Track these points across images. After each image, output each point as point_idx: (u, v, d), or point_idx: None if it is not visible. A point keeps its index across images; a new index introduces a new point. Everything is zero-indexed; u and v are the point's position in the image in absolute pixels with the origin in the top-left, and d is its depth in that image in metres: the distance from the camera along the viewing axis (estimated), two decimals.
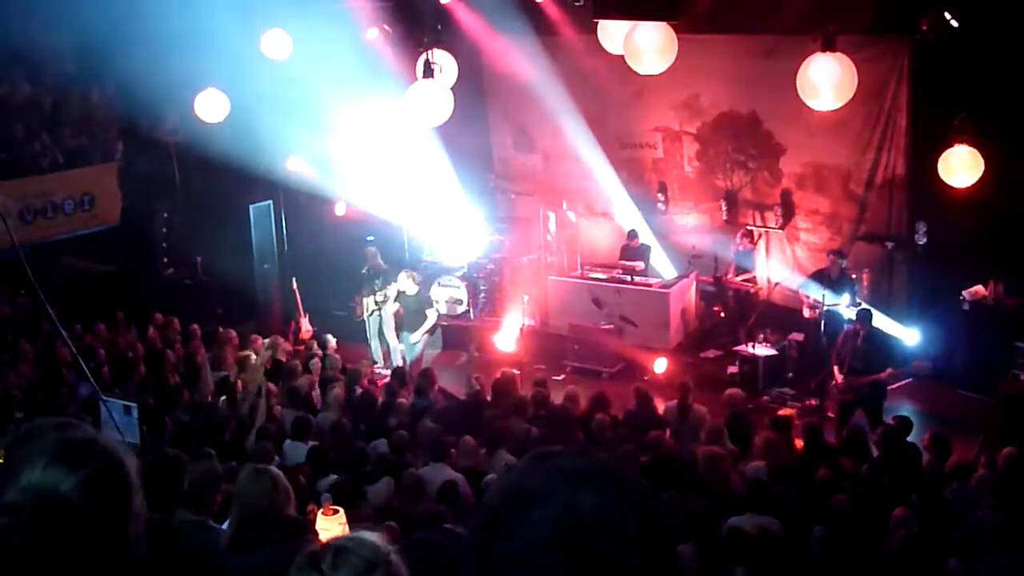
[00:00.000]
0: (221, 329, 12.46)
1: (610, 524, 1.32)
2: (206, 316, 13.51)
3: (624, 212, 15.48)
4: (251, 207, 14.61)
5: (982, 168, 8.56)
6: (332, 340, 12.51)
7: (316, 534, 4.76)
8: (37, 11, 12.67)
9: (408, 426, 9.47)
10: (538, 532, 1.31)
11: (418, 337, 12.94)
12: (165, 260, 14.55)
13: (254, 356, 11.24)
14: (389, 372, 12.26)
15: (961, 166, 8.60)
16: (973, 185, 8.93)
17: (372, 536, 2.13)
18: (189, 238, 14.74)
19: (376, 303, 13.21)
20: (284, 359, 11.79)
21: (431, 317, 13.12)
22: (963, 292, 12.00)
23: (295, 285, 14.24)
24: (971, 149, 8.54)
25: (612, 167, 15.51)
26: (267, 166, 14.03)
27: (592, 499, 1.33)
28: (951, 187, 9.05)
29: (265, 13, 11.84)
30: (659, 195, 15.21)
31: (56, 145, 14.21)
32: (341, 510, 5.69)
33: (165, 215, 14.45)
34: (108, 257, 14.49)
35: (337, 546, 2.10)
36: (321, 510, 5.68)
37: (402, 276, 12.90)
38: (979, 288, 11.97)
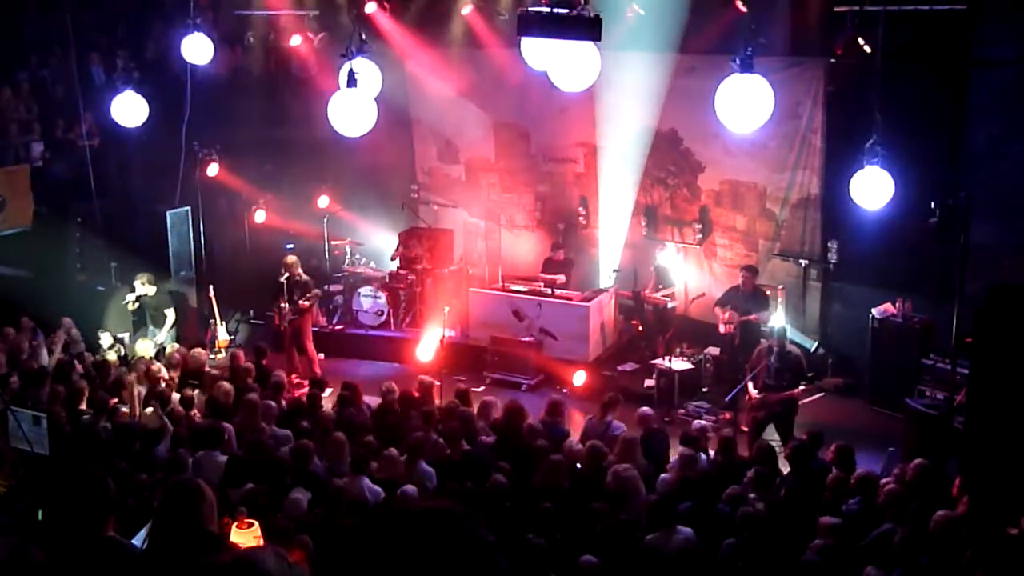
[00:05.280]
0: None
1: None
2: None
3: (546, 225, 15.62)
4: (168, 213, 14.31)
5: (892, 190, 8.79)
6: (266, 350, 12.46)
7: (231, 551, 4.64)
8: None
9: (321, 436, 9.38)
10: None
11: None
12: (79, 266, 14.17)
13: (162, 368, 11.14)
14: (307, 382, 12.16)
15: (872, 188, 8.82)
16: (883, 206, 9.18)
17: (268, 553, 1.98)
18: (103, 244, 14.40)
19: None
20: (199, 368, 11.65)
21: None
22: (873, 310, 12.33)
23: (212, 293, 14.02)
24: (882, 171, 8.77)
25: (536, 180, 15.67)
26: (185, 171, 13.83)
27: None
28: (863, 208, 9.28)
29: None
30: (581, 209, 15.37)
31: None
32: (256, 523, 5.63)
33: (79, 219, 14.08)
34: (20, 261, 14.08)
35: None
36: (235, 523, 5.61)
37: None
38: (888, 306, 12.30)
